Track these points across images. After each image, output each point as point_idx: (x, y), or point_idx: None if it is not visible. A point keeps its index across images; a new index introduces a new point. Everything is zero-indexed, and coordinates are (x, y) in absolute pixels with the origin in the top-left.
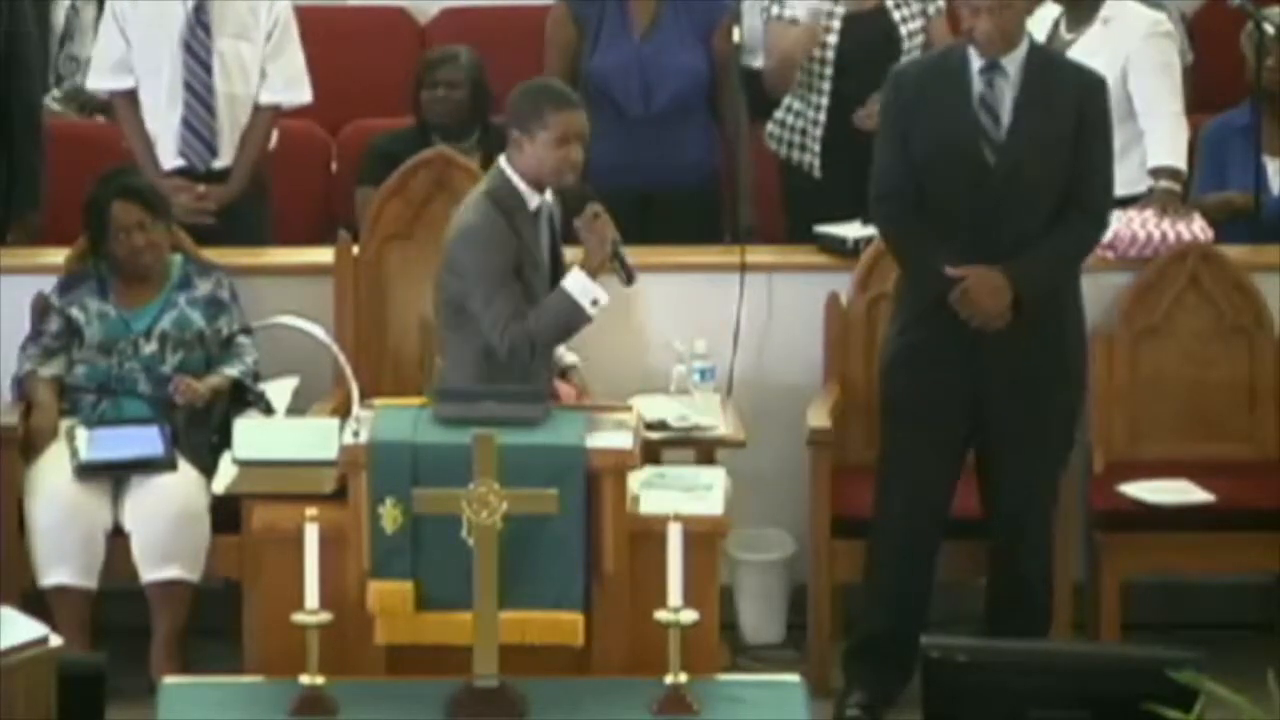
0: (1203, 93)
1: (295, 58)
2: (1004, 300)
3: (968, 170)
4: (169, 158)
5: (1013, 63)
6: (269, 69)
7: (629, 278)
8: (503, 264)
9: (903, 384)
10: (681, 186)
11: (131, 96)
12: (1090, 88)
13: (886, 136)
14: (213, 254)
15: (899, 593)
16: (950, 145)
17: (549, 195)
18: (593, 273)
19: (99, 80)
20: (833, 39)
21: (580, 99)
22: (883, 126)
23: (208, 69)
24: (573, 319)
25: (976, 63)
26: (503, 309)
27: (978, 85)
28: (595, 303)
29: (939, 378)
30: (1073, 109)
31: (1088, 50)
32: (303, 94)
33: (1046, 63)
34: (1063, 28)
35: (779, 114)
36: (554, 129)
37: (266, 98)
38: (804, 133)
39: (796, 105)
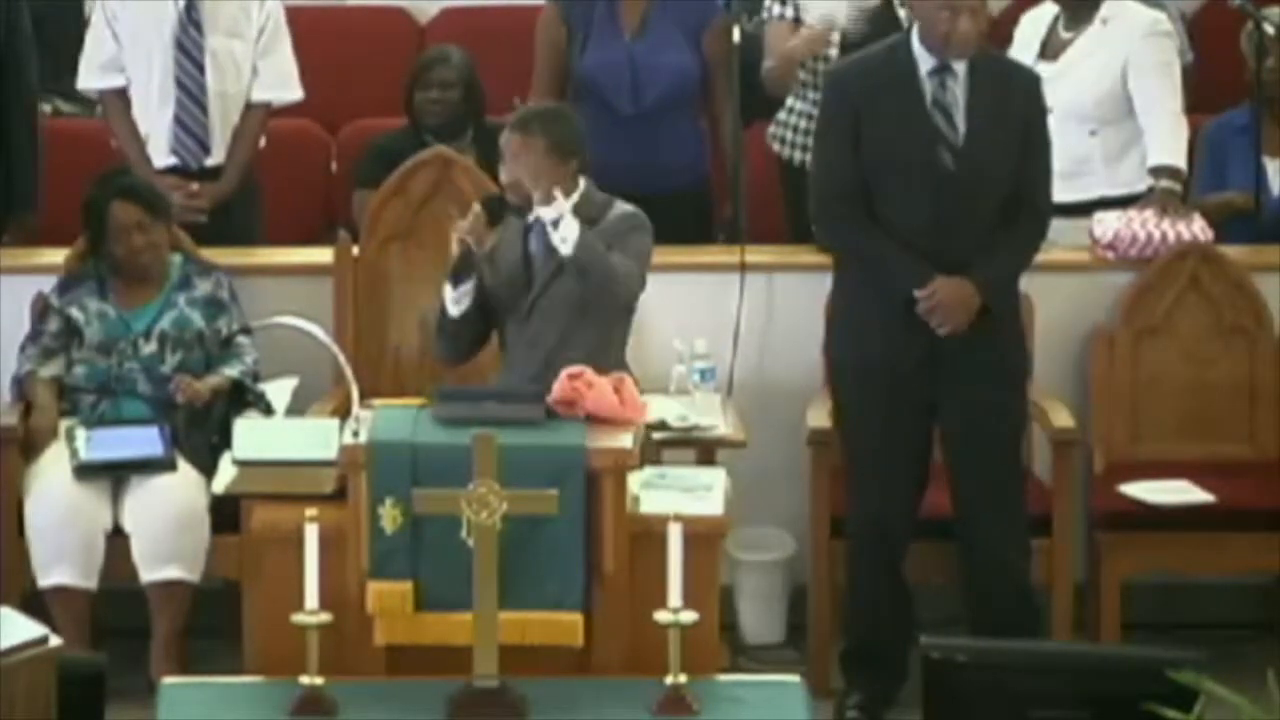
0: (1203, 93)
1: (286, 55)
2: (974, 309)
3: (926, 175)
4: (161, 156)
5: (960, 63)
6: (260, 66)
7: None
8: None
9: (860, 395)
10: (672, 187)
11: (121, 95)
12: (1031, 85)
13: (832, 139)
14: (212, 253)
15: (878, 596)
16: (907, 150)
17: (547, 212)
18: (448, 276)
19: (88, 80)
20: (836, 36)
21: (517, 119)
22: (825, 128)
23: (200, 67)
24: (439, 314)
25: (925, 64)
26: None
27: (929, 87)
28: (456, 302)
29: (896, 387)
30: (1019, 107)
31: (1087, 50)
32: (293, 91)
33: (988, 62)
34: (1061, 27)
35: (781, 115)
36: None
37: (258, 95)
38: (806, 133)
39: (799, 105)
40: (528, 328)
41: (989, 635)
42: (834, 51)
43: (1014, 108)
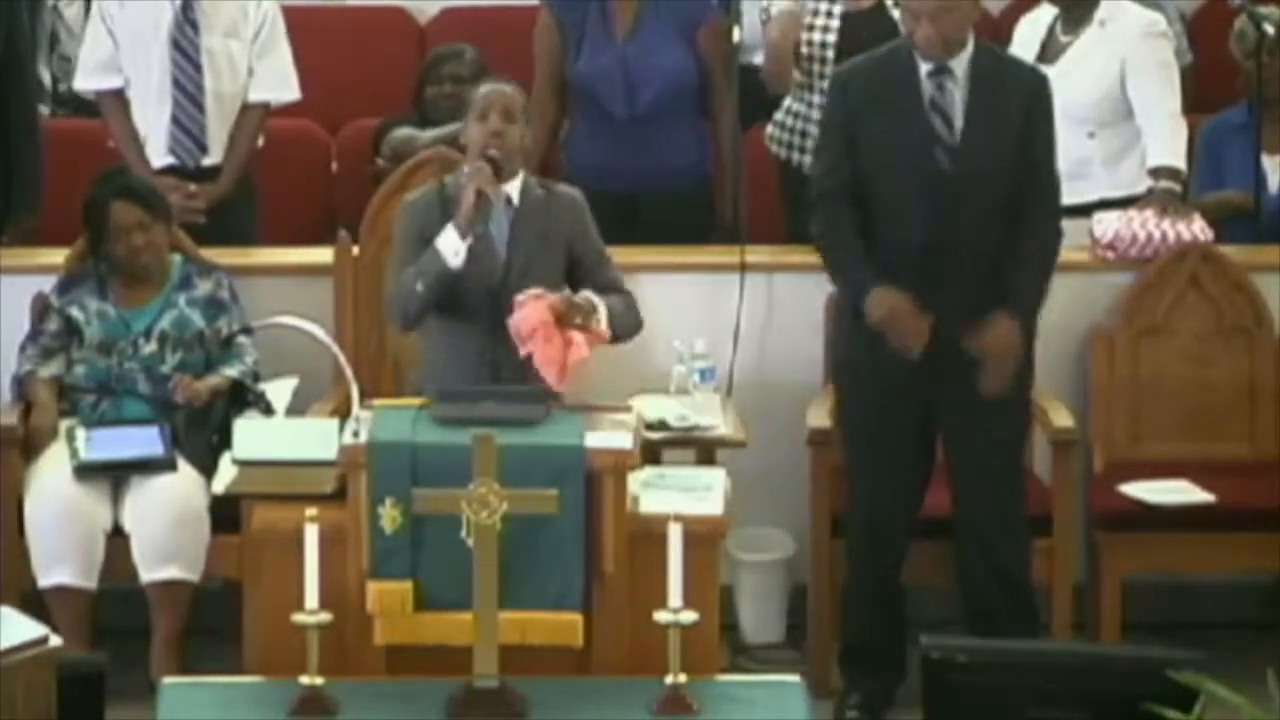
0: (1202, 93)
1: (284, 56)
2: (1019, 348)
3: (921, 175)
4: (158, 156)
5: (960, 64)
6: (257, 67)
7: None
8: (413, 233)
9: (858, 392)
10: (669, 189)
11: (119, 96)
12: (1036, 86)
13: (830, 139)
14: (212, 253)
15: (875, 595)
16: (903, 150)
17: (518, 187)
18: (459, 227)
19: (86, 80)
20: (832, 38)
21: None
22: (823, 130)
23: (196, 67)
24: (434, 266)
25: (925, 65)
26: (398, 274)
27: (927, 88)
28: (456, 254)
29: (894, 384)
30: (1021, 108)
31: (1085, 52)
32: (291, 92)
33: (992, 62)
34: (1059, 30)
35: (779, 116)
36: (475, 106)
37: (256, 95)
38: (803, 134)
39: (796, 106)
40: (483, 318)
41: (985, 636)
42: (830, 53)
43: (1016, 108)
